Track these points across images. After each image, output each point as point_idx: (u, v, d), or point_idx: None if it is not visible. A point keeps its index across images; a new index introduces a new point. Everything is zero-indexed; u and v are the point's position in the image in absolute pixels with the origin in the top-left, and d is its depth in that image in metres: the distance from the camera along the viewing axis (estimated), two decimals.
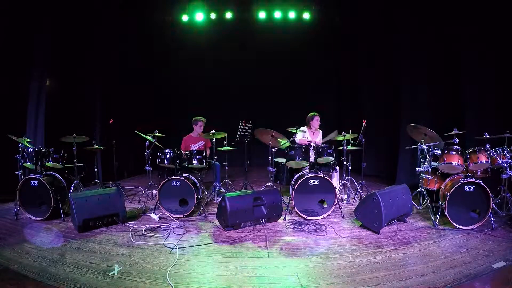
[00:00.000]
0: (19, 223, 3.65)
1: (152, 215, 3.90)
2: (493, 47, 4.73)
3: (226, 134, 4.50)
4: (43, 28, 5.12)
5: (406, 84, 5.78)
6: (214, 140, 4.41)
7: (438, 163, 3.70)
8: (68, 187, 4.17)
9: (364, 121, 4.54)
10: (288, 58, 7.79)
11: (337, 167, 4.65)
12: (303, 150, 4.00)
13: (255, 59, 7.79)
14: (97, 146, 4.82)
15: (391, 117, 6.37)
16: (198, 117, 5.05)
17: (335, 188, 3.91)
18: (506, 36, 4.52)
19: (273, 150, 4.50)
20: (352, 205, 4.37)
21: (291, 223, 3.69)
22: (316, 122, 4.89)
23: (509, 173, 3.62)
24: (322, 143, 4.51)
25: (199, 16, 6.93)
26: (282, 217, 3.83)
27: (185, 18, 7.02)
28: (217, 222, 3.67)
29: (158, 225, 3.62)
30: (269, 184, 4.61)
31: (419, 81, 5.61)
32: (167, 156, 4.07)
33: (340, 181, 4.79)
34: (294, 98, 7.99)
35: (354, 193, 4.74)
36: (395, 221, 3.54)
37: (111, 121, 4.96)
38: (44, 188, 3.70)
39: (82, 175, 4.55)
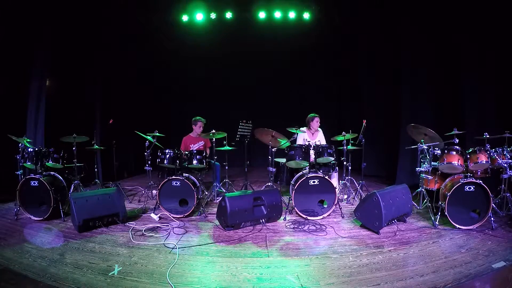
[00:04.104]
0: (19, 223, 3.65)
1: (152, 215, 3.90)
2: (493, 47, 4.73)
3: (226, 134, 4.50)
4: (43, 28, 5.12)
5: (406, 84, 5.78)
6: (214, 140, 4.41)
7: (438, 163, 3.70)
8: (68, 187, 4.17)
9: (364, 121, 4.54)
10: (288, 58, 7.79)
11: (337, 167, 4.64)
12: (303, 150, 4.00)
13: (255, 59, 7.79)
14: (97, 146, 4.82)
15: (391, 117, 6.38)
16: (197, 118, 5.05)
17: (335, 188, 3.91)
18: (506, 36, 4.52)
19: (273, 150, 4.50)
20: (352, 205, 4.37)
21: (291, 223, 3.69)
22: (315, 123, 4.89)
23: (509, 173, 3.62)
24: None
25: (199, 16, 6.93)
26: (282, 217, 3.83)
27: (185, 18, 7.01)
28: (217, 222, 3.67)
29: (158, 225, 3.62)
30: (269, 184, 4.61)
31: (419, 81, 5.61)
32: (167, 156, 4.07)
33: (340, 181, 4.79)
34: (294, 98, 7.99)
35: (354, 193, 4.74)
36: (395, 221, 3.54)
37: (111, 121, 4.96)
38: (44, 188, 3.69)
39: (82, 175, 4.56)
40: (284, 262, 2.69)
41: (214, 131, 4.33)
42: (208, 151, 5.07)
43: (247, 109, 7.55)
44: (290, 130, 4.33)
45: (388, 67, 6.37)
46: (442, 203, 3.53)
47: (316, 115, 4.90)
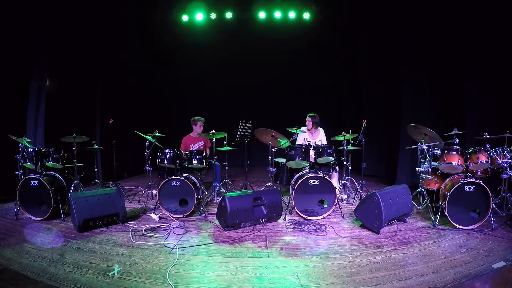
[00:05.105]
0: (19, 223, 3.65)
1: (152, 215, 3.90)
2: (493, 47, 4.72)
3: (226, 134, 4.50)
4: (43, 28, 5.12)
5: (406, 84, 5.78)
6: (214, 140, 4.41)
7: (438, 163, 3.70)
8: (68, 187, 4.17)
9: (364, 121, 4.55)
10: (288, 58, 7.79)
11: (337, 167, 4.64)
12: (303, 150, 4.00)
13: (255, 59, 7.79)
14: (97, 146, 4.82)
15: (391, 117, 6.38)
16: (196, 117, 5.05)
17: (335, 188, 3.91)
18: (506, 36, 4.52)
19: (273, 150, 4.50)
20: (352, 205, 4.37)
21: (291, 223, 3.69)
22: (307, 123, 4.88)
23: (509, 173, 3.62)
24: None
25: (199, 16, 6.93)
26: (282, 217, 3.83)
27: (185, 18, 7.01)
28: (217, 222, 3.67)
29: (158, 225, 3.62)
30: (269, 184, 4.61)
31: (419, 81, 5.61)
32: (167, 156, 4.07)
33: (340, 181, 4.79)
34: (294, 98, 8.00)
35: (354, 193, 4.75)
36: (395, 221, 3.54)
37: (111, 121, 4.96)
38: (44, 188, 3.69)
39: (82, 175, 4.55)
40: (284, 262, 2.69)
41: (214, 131, 4.33)
42: (208, 151, 5.07)
43: (247, 109, 7.56)
44: (290, 130, 4.33)
45: (388, 67, 6.37)
46: (442, 203, 3.53)
47: (309, 114, 4.89)
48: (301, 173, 4.14)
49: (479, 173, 3.80)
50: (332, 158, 4.10)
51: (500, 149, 3.69)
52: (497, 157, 3.66)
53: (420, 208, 4.02)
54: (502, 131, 3.73)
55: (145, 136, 4.56)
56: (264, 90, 7.99)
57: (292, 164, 4.06)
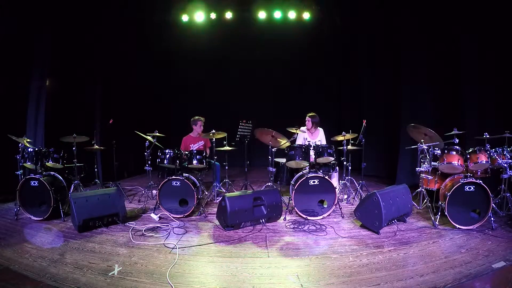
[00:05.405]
0: (19, 223, 3.65)
1: (152, 215, 3.90)
2: (493, 47, 4.73)
3: (226, 134, 4.50)
4: (43, 28, 5.12)
5: (406, 84, 5.78)
6: (214, 140, 4.41)
7: (438, 163, 3.70)
8: (68, 187, 4.17)
9: (364, 121, 4.55)
10: (288, 57, 7.79)
11: (337, 167, 4.64)
12: (303, 150, 4.00)
13: (255, 59, 7.78)
14: (97, 146, 4.82)
15: (391, 117, 6.38)
16: (196, 117, 5.06)
17: (335, 188, 3.91)
18: (506, 36, 4.52)
19: (273, 150, 4.50)
20: (352, 205, 4.37)
21: (291, 223, 3.69)
22: (307, 123, 4.88)
23: (509, 173, 3.62)
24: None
25: (199, 16, 6.93)
26: (282, 217, 3.83)
27: (185, 18, 7.02)
28: (217, 222, 3.67)
29: (158, 225, 3.62)
30: (269, 184, 4.61)
31: (419, 81, 5.61)
32: (167, 156, 4.07)
33: (340, 181, 4.79)
34: (294, 97, 7.98)
35: (354, 193, 4.74)
36: (395, 221, 3.53)
37: (111, 121, 4.96)
38: (44, 188, 3.70)
39: (82, 175, 4.55)
40: (284, 262, 2.69)
41: (214, 131, 4.33)
42: (208, 151, 5.07)
43: (247, 109, 7.54)
44: (290, 130, 4.33)
45: (388, 67, 6.37)
46: (442, 203, 3.53)
47: (308, 114, 4.89)
48: (301, 173, 4.14)
49: (479, 173, 3.80)
50: (332, 158, 4.10)
51: (500, 149, 3.69)
52: (497, 157, 3.66)
53: (420, 208, 4.02)
54: (502, 131, 3.73)
55: (145, 136, 4.56)
56: (264, 90, 7.97)
57: (292, 164, 4.06)
